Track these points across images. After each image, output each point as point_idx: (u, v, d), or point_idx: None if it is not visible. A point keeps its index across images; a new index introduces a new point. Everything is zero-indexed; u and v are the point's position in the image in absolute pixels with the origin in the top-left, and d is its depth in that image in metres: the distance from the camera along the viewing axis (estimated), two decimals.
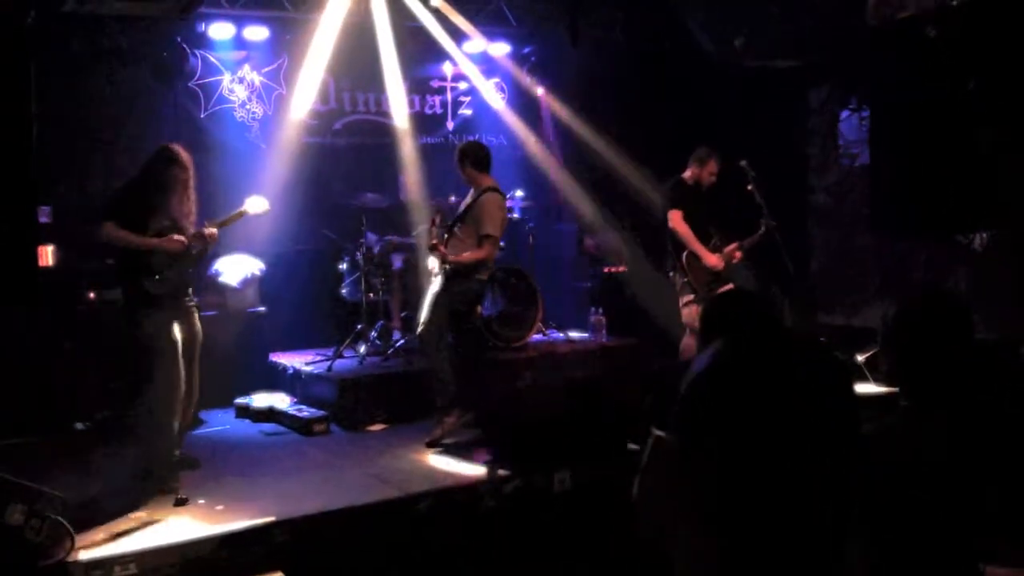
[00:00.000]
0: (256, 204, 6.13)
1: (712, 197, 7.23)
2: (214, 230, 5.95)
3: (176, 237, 5.75)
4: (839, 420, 1.71)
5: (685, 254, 7.05)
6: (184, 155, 5.87)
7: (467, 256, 6.58)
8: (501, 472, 5.62)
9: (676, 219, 7.04)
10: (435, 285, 6.71)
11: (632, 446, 5.81)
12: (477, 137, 10.43)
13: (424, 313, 6.67)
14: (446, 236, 6.78)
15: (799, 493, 1.69)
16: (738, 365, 1.73)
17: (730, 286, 7.09)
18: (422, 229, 7.85)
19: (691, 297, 7.06)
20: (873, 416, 2.40)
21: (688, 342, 7.11)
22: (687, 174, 7.25)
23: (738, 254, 7.17)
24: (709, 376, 1.76)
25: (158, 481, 5.51)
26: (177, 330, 5.78)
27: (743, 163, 7.14)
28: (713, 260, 7.03)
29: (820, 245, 9.13)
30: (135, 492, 5.31)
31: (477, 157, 6.83)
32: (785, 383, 1.69)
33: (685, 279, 7.08)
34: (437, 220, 6.62)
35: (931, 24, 7.03)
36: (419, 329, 6.72)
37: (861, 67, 8.18)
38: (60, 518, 4.30)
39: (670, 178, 7.31)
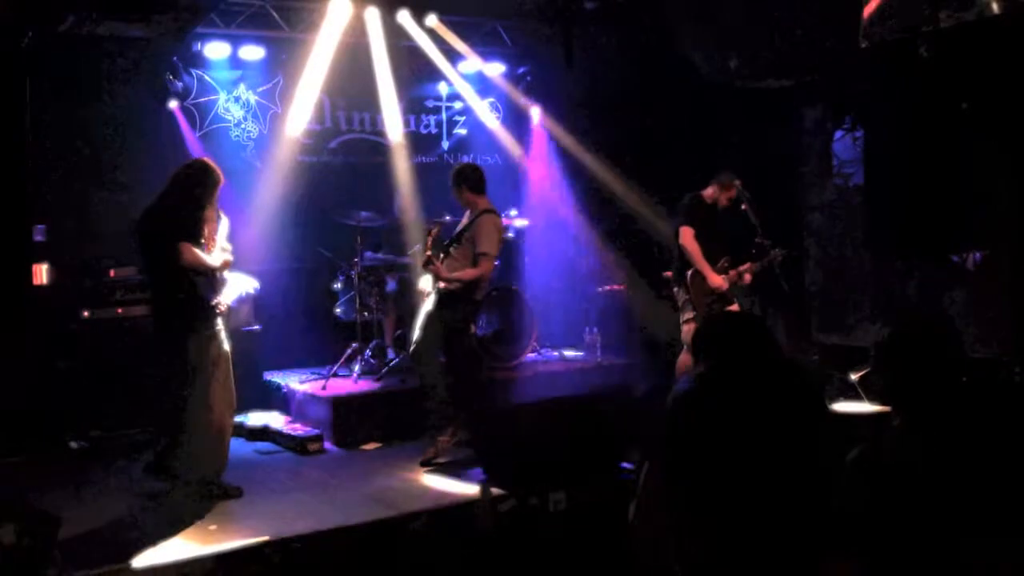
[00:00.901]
0: (224, 221, 6.12)
1: (723, 219, 7.25)
2: (229, 246, 6.01)
3: (228, 258, 5.87)
4: (810, 442, 1.72)
5: (690, 272, 7.06)
6: (221, 173, 5.90)
7: (462, 274, 6.58)
8: (495, 491, 5.61)
9: (687, 236, 7.06)
10: (428, 304, 6.71)
11: (627, 466, 5.81)
12: (472, 157, 10.45)
13: (417, 332, 6.67)
14: (442, 256, 6.79)
15: (772, 511, 1.70)
16: (716, 389, 1.75)
17: (735, 307, 7.11)
18: (417, 248, 7.86)
19: (691, 315, 7.08)
20: (867, 435, 2.41)
21: (684, 359, 7.13)
22: (707, 192, 7.27)
23: (748, 276, 7.18)
24: (688, 399, 1.78)
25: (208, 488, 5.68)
26: (224, 347, 5.85)
27: (737, 183, 7.18)
28: (717, 281, 7.04)
29: (814, 264, 9.13)
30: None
31: (473, 180, 6.84)
32: (759, 407, 1.70)
33: (687, 296, 7.09)
34: (435, 232, 6.59)
35: (924, 45, 7.07)
36: (412, 348, 6.72)
37: (855, 87, 8.21)
38: (52, 537, 4.28)
39: (679, 196, 7.30)
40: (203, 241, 5.75)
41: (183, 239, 5.54)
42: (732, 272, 7.16)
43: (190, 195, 5.73)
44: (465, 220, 6.91)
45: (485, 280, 6.74)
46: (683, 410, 1.75)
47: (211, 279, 5.77)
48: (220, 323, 5.86)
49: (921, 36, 6.99)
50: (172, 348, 5.70)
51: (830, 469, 1.75)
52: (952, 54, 6.95)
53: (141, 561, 4.58)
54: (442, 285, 6.63)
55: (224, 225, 6.10)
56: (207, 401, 5.69)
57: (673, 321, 7.69)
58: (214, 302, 5.77)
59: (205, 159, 6.03)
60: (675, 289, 7.32)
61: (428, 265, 6.51)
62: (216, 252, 5.84)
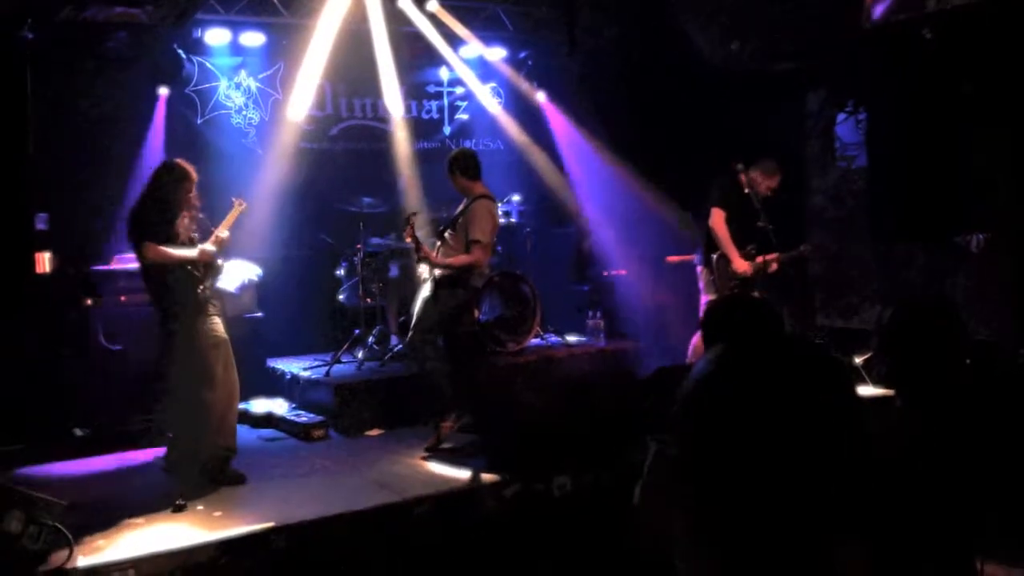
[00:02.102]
0: (239, 203, 6.25)
1: (757, 205, 7.19)
2: (225, 234, 6.04)
3: (207, 248, 5.91)
4: (840, 425, 1.71)
5: (717, 254, 7.04)
6: (191, 169, 5.98)
7: (455, 260, 6.57)
8: (500, 477, 5.62)
9: (718, 218, 7.02)
10: (424, 291, 6.71)
11: (631, 450, 5.80)
12: (474, 142, 10.45)
13: (415, 319, 6.68)
14: (437, 243, 6.78)
15: (794, 499, 1.69)
16: (736, 370, 1.73)
17: (755, 294, 7.09)
18: (421, 234, 7.85)
19: (713, 297, 7.06)
20: (870, 418, 2.41)
21: (698, 341, 7.10)
22: (743, 177, 7.17)
23: (775, 265, 7.14)
24: (706, 381, 1.76)
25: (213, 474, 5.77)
26: (214, 334, 5.92)
27: (739, 166, 7.15)
28: (743, 266, 7.01)
29: (818, 247, 9.12)
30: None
31: (466, 166, 6.81)
32: (784, 389, 1.69)
33: (712, 277, 7.07)
34: (413, 222, 6.58)
35: (927, 27, 7.04)
36: (409, 335, 6.72)
37: (858, 70, 8.18)
38: (59, 525, 4.30)
39: (679, 179, 7.26)
40: (177, 234, 5.84)
41: (147, 238, 5.71)
42: (766, 258, 7.11)
43: (154, 195, 5.88)
44: (461, 206, 6.89)
45: (480, 266, 6.70)
46: (702, 392, 1.74)
47: (192, 269, 5.85)
48: (213, 310, 5.97)
49: (925, 18, 6.96)
50: (167, 337, 5.87)
51: (858, 456, 1.74)
52: (956, 36, 6.93)
53: (146, 547, 4.59)
54: (437, 272, 6.62)
55: (235, 211, 6.17)
56: (211, 384, 5.80)
57: (675, 305, 7.69)
58: (199, 290, 5.87)
59: (172, 160, 6.11)
60: (699, 269, 7.28)
61: (418, 252, 6.51)
62: (206, 244, 5.93)
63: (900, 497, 2.27)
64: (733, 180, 7.17)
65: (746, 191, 7.14)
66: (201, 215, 6.07)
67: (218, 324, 5.96)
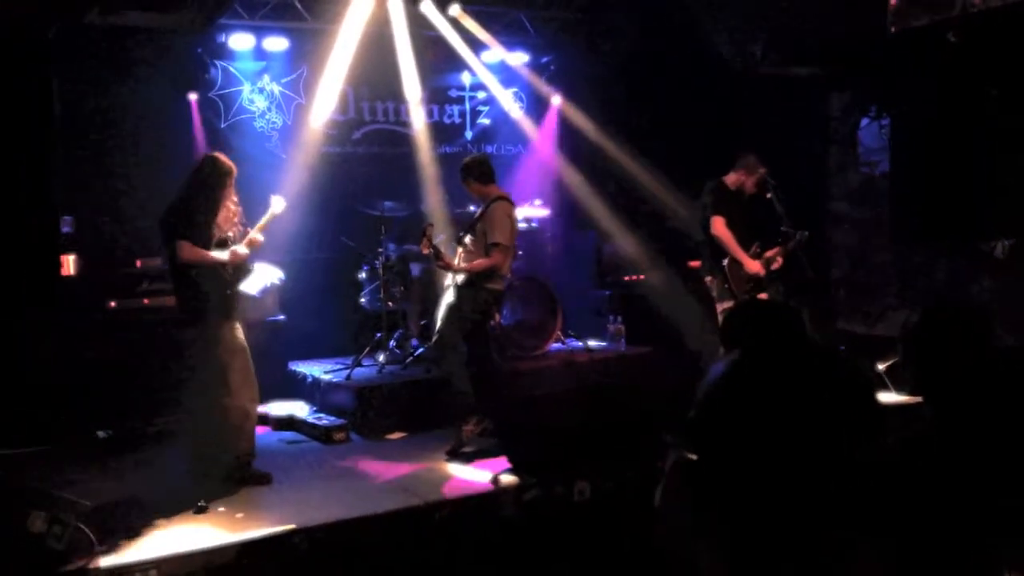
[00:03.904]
0: (278, 202, 6.20)
1: (749, 204, 7.20)
2: (259, 237, 6.05)
3: (239, 250, 5.88)
4: (857, 429, 1.70)
5: (727, 260, 7.01)
6: (232, 165, 5.96)
7: (475, 265, 6.57)
8: (520, 481, 5.62)
9: (719, 225, 7.00)
10: (448, 295, 6.72)
11: (651, 455, 5.79)
12: (495, 147, 10.47)
13: (438, 323, 6.68)
14: (459, 249, 6.79)
15: (811, 503, 1.68)
16: (756, 374, 1.72)
17: (764, 295, 7.07)
18: (442, 238, 7.86)
19: (730, 303, 7.03)
20: (897, 426, 2.39)
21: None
22: (730, 179, 7.19)
23: (780, 260, 7.12)
24: (725, 384, 1.75)
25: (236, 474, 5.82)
26: (240, 338, 5.94)
27: (762, 172, 7.13)
28: (755, 267, 6.99)
29: (840, 253, 9.08)
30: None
31: (477, 171, 6.83)
32: (803, 394, 1.68)
33: (726, 284, 7.05)
34: (429, 232, 6.58)
35: (953, 31, 7.00)
36: (433, 339, 6.73)
37: (882, 74, 8.15)
38: (82, 525, 4.33)
39: (703, 183, 7.24)
40: (214, 232, 5.81)
41: (181, 236, 5.65)
42: (767, 255, 7.10)
43: (200, 188, 5.83)
44: (479, 210, 6.90)
45: (502, 269, 6.71)
46: (719, 397, 1.73)
47: (221, 272, 5.83)
48: (237, 315, 5.95)
49: (950, 22, 6.92)
50: (190, 340, 5.83)
51: (878, 461, 1.73)
52: (981, 40, 6.88)
53: (169, 548, 4.61)
54: (459, 277, 6.63)
55: (271, 212, 6.14)
56: (229, 391, 5.79)
57: (697, 310, 7.66)
58: (227, 292, 5.85)
59: (215, 154, 6.06)
60: (708, 279, 7.26)
61: (437, 261, 6.53)
62: (239, 246, 5.92)
63: (927, 505, 2.25)
64: (720, 185, 7.18)
65: (735, 191, 7.15)
66: (236, 218, 6.03)
67: (239, 331, 5.96)
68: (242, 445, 5.92)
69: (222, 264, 5.81)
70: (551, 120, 10.56)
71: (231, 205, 5.96)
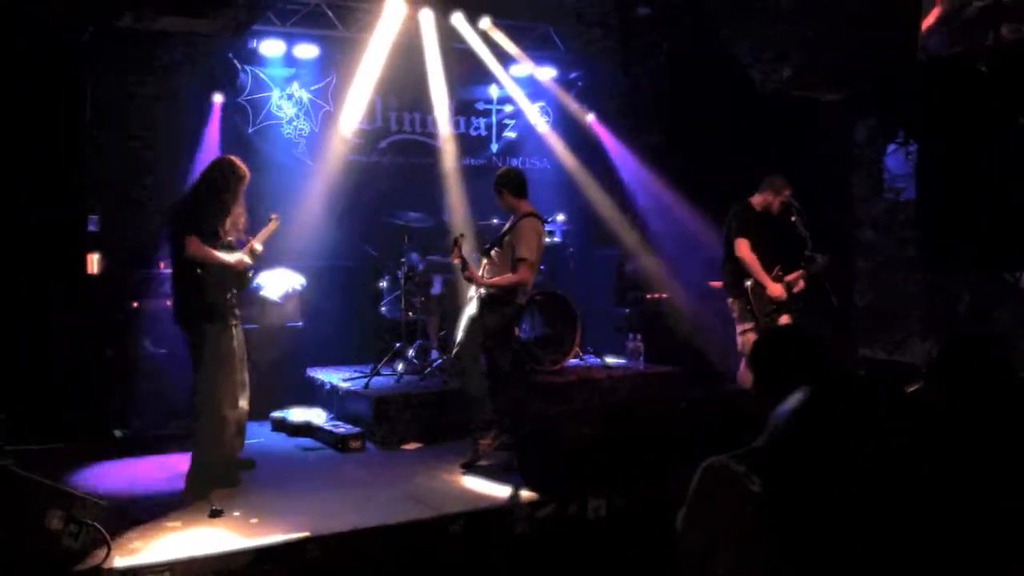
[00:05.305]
0: (276, 221, 6.31)
1: (774, 226, 7.18)
2: (260, 247, 6.14)
3: (246, 259, 5.95)
4: (923, 465, 1.67)
5: (750, 282, 6.99)
6: (246, 169, 6.01)
7: (501, 279, 6.57)
8: (535, 497, 5.60)
9: (744, 248, 6.99)
10: (471, 308, 6.71)
11: (668, 475, 5.76)
12: (521, 160, 10.49)
13: (459, 335, 6.68)
14: (483, 261, 6.79)
15: (886, 537, 1.66)
16: (832, 412, 1.70)
17: (786, 318, 7.04)
18: (466, 249, 7.87)
19: (750, 325, 7.01)
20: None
21: (746, 371, 7.04)
22: (756, 200, 7.18)
23: (801, 283, 7.10)
24: (802, 422, 1.73)
25: (219, 479, 5.79)
26: (235, 342, 5.95)
27: (787, 194, 7.11)
28: (778, 290, 6.98)
29: (864, 279, 9.02)
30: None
31: (514, 184, 6.82)
32: (875, 431, 1.66)
33: (748, 306, 7.02)
34: (460, 243, 6.59)
35: (983, 60, 6.97)
36: (454, 351, 6.73)
37: (910, 101, 8.11)
38: (97, 524, 4.34)
39: (732, 205, 7.24)
40: (221, 234, 5.86)
41: (191, 233, 5.67)
42: (789, 278, 7.08)
43: (210, 187, 5.86)
44: (507, 224, 6.90)
45: (526, 284, 6.71)
46: (797, 432, 1.71)
47: (223, 275, 5.85)
48: (235, 320, 5.98)
49: (980, 51, 6.89)
50: (187, 338, 5.90)
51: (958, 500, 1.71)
52: (1011, 69, 6.85)
53: (183, 551, 4.62)
54: (483, 290, 6.63)
55: (271, 226, 6.25)
56: (212, 393, 5.82)
57: (717, 330, 7.63)
58: (226, 297, 5.88)
59: (230, 157, 6.09)
60: (730, 300, 7.24)
61: (464, 272, 6.54)
62: (243, 253, 5.99)
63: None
64: (747, 206, 7.16)
65: (762, 212, 7.13)
66: (241, 225, 6.07)
67: (233, 336, 5.95)
68: (237, 445, 6.04)
69: (227, 266, 5.85)
70: (577, 135, 10.57)
71: (238, 211, 6.01)
